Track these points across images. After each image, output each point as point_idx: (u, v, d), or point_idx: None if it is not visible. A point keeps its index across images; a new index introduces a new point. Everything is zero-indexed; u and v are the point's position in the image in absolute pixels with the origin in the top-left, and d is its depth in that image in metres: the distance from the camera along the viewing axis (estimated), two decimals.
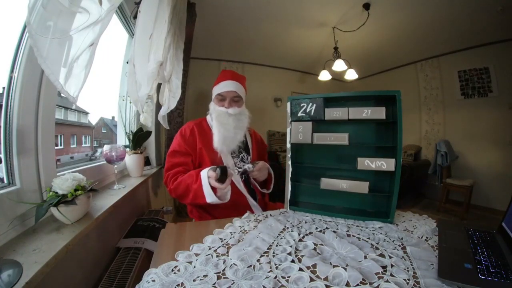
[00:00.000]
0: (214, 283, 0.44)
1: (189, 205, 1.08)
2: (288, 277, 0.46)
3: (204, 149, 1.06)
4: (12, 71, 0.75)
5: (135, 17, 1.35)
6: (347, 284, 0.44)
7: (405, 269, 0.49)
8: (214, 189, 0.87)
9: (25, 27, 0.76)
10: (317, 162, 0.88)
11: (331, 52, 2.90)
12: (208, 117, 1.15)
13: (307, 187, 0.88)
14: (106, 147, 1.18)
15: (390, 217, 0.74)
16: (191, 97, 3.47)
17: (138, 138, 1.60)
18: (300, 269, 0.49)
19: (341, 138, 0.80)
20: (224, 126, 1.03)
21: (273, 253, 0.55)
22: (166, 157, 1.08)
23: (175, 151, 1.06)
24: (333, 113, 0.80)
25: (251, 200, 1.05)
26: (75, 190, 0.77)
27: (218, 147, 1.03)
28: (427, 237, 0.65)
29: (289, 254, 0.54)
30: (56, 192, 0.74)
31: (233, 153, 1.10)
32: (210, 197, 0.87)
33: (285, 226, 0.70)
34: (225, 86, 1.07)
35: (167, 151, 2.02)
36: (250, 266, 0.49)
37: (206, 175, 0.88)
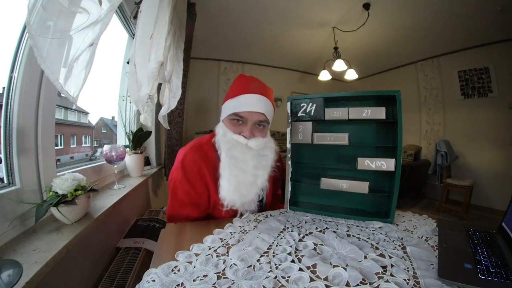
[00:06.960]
0: (214, 283, 0.44)
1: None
2: (288, 277, 0.46)
3: (214, 187, 0.76)
4: (12, 71, 0.75)
5: (135, 17, 1.35)
6: (347, 284, 0.44)
7: (405, 269, 0.49)
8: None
9: (25, 27, 0.76)
10: (317, 162, 0.88)
11: (331, 52, 2.91)
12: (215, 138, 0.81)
13: (307, 187, 0.88)
14: (106, 147, 1.18)
15: (390, 217, 0.74)
16: (191, 97, 3.47)
17: (138, 138, 1.60)
18: (300, 269, 0.49)
19: (341, 138, 0.80)
20: (238, 165, 0.71)
21: (273, 253, 0.55)
22: (169, 202, 0.78)
23: (183, 202, 0.75)
24: (333, 113, 0.80)
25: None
26: (75, 190, 0.77)
27: (226, 198, 0.71)
28: (427, 237, 0.65)
29: (289, 254, 0.54)
30: (56, 192, 0.75)
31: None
32: None
33: (285, 226, 0.70)
34: (247, 104, 0.71)
35: (167, 151, 2.04)
36: (250, 266, 0.49)
37: None
